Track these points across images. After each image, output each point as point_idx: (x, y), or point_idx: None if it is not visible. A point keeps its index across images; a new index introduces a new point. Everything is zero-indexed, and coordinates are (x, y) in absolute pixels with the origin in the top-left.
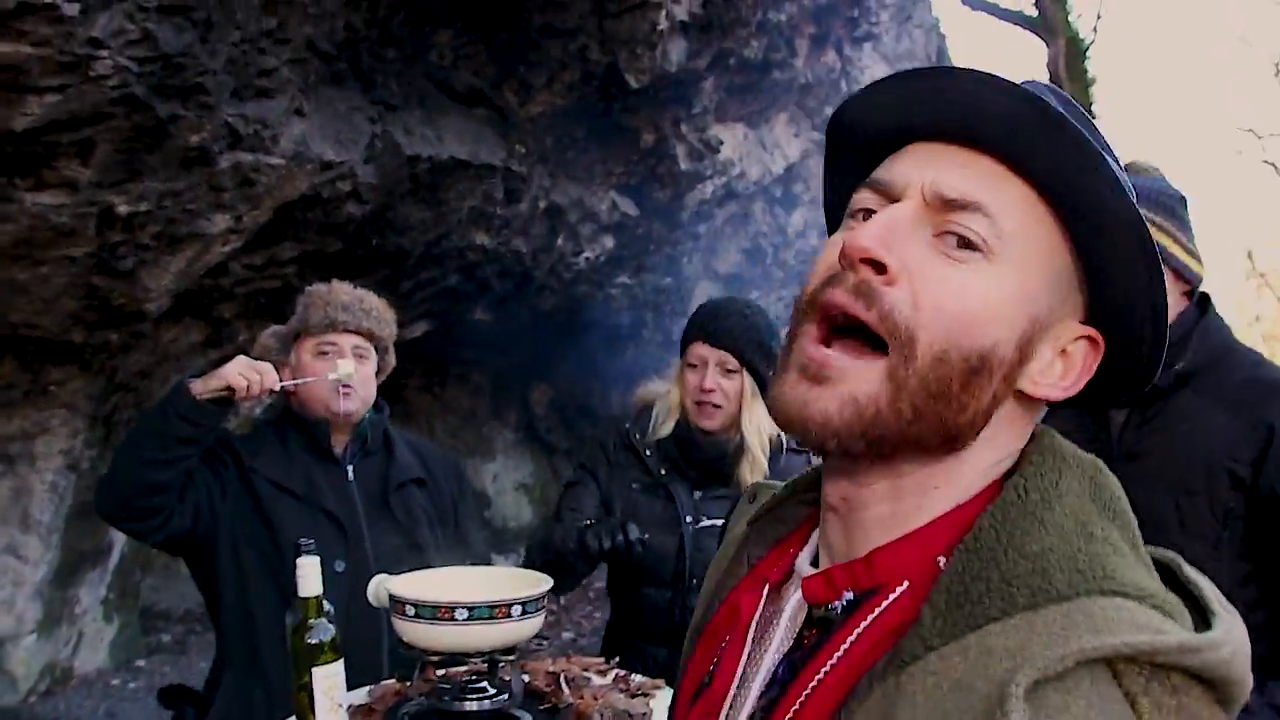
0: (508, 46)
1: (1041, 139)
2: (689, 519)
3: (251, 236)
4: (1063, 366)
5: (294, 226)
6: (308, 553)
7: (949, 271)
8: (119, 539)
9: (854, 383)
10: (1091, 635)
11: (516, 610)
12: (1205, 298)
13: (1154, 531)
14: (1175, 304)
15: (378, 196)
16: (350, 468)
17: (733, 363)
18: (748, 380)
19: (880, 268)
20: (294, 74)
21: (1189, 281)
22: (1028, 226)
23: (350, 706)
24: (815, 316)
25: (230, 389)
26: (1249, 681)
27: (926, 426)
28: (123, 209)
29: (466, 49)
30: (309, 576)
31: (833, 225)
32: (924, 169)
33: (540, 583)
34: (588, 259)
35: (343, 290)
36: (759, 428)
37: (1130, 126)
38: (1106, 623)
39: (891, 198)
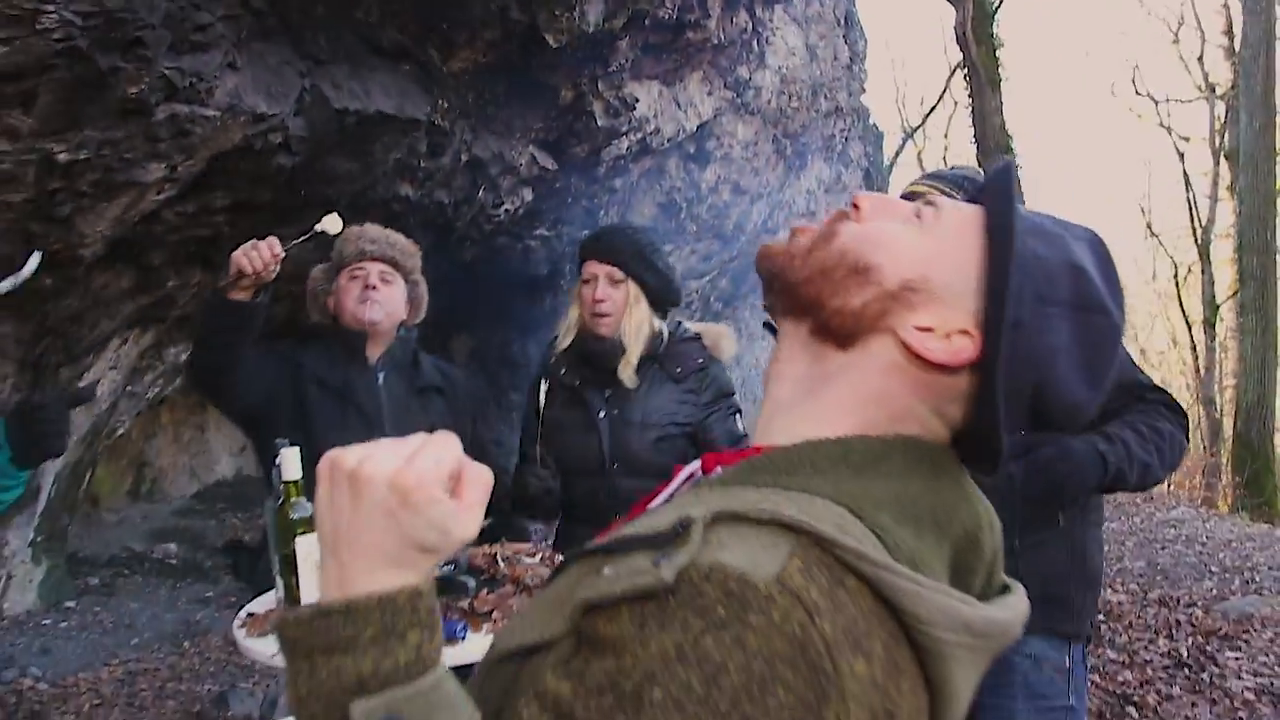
0: (431, 5)
1: (997, 187)
2: (601, 414)
3: (185, 185)
4: (943, 344)
5: (226, 176)
6: (285, 448)
7: (892, 223)
8: (46, 484)
9: (801, 239)
10: (794, 510)
11: None
12: None
13: None
14: None
15: (307, 148)
16: (381, 375)
17: (619, 274)
18: (632, 287)
19: (857, 209)
20: (227, 29)
21: None
22: (962, 227)
23: None
24: None
25: (240, 271)
26: (942, 636)
27: (811, 292)
28: (62, 157)
29: (392, 6)
30: (290, 464)
31: None
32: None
33: None
34: (507, 211)
35: (372, 228)
36: (637, 329)
37: (1035, 89)
38: (815, 513)
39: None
